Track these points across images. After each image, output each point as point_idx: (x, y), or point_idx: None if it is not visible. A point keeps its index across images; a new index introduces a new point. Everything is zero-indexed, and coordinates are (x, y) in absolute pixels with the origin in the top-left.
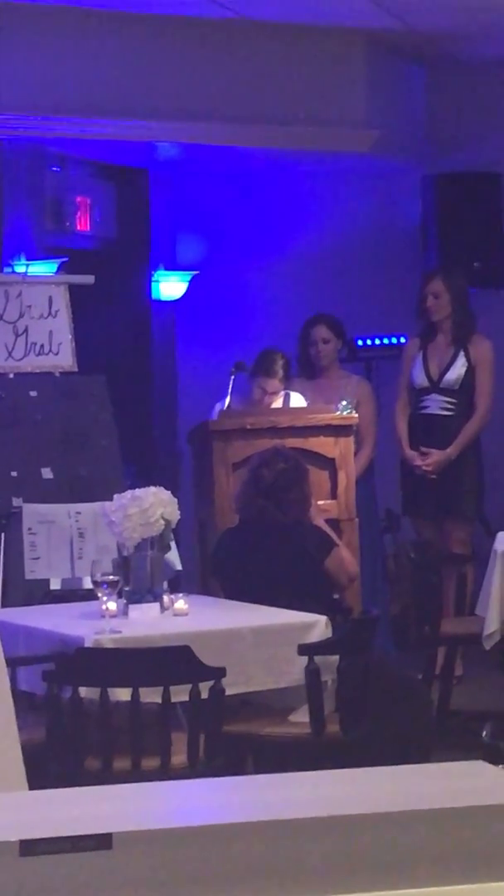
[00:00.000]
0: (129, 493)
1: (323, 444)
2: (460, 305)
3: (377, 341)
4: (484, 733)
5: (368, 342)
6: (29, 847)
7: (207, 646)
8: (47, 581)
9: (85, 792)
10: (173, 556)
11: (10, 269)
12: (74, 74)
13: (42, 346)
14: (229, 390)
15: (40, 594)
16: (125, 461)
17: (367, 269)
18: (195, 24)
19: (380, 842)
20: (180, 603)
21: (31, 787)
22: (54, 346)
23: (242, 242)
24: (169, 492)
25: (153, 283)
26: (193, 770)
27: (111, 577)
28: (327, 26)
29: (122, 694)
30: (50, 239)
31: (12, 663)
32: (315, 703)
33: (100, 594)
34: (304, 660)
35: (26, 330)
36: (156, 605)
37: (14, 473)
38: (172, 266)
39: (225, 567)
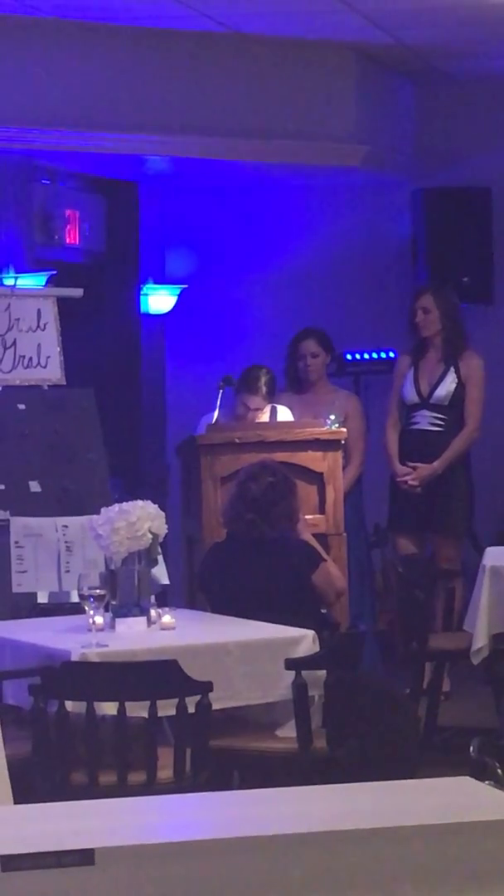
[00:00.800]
0: (116, 507)
1: (311, 459)
2: (450, 321)
3: (366, 356)
4: (471, 749)
5: (357, 356)
6: (11, 862)
7: (194, 660)
8: (34, 594)
9: (68, 807)
10: (160, 570)
11: None
12: (64, 87)
13: (30, 358)
14: (217, 404)
15: (27, 607)
16: (113, 474)
17: (356, 283)
18: (186, 37)
19: (366, 857)
20: (167, 617)
21: (17, 801)
22: (42, 359)
23: (232, 256)
24: (156, 505)
25: (142, 297)
26: (180, 785)
27: (98, 590)
28: (318, 41)
29: (109, 708)
30: (39, 252)
31: None
32: (302, 718)
33: (87, 608)
34: (292, 674)
35: (14, 343)
36: (143, 619)
37: (1, 486)
38: (161, 279)
39: (212, 581)
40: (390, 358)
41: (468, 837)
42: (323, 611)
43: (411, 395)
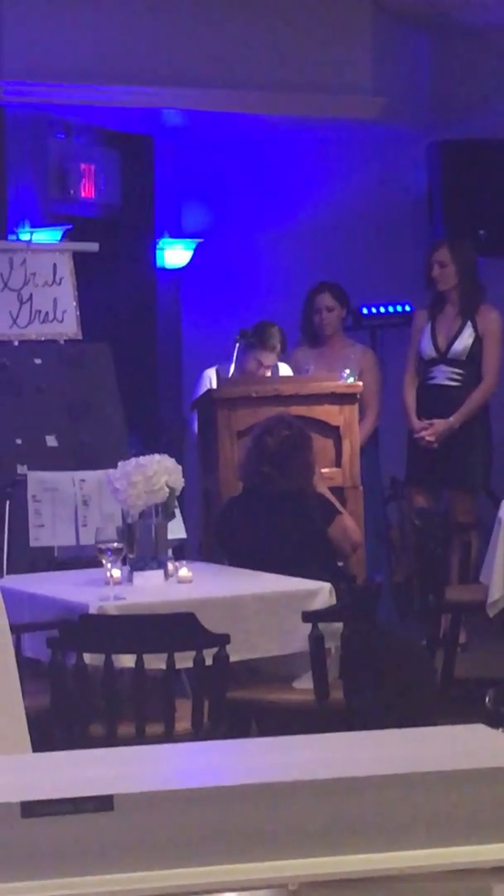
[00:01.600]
0: (133, 461)
1: (327, 413)
2: (467, 275)
3: (382, 309)
4: (487, 700)
5: (373, 310)
6: (30, 808)
7: (212, 613)
8: (52, 548)
9: (87, 755)
10: (177, 524)
11: (14, 237)
12: (79, 41)
13: (46, 313)
14: (234, 358)
15: (45, 561)
16: (129, 429)
17: (372, 236)
18: None
19: (380, 804)
20: (184, 570)
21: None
22: (59, 313)
23: (247, 210)
24: (173, 459)
25: (158, 251)
26: (197, 736)
27: (115, 544)
28: None
29: (127, 660)
30: (54, 206)
31: (17, 630)
32: (319, 670)
33: (104, 561)
34: (308, 627)
35: (31, 297)
36: (160, 573)
37: (18, 441)
38: (177, 234)
39: (229, 534)
40: (406, 311)
41: (482, 783)
42: (339, 564)
43: (429, 350)
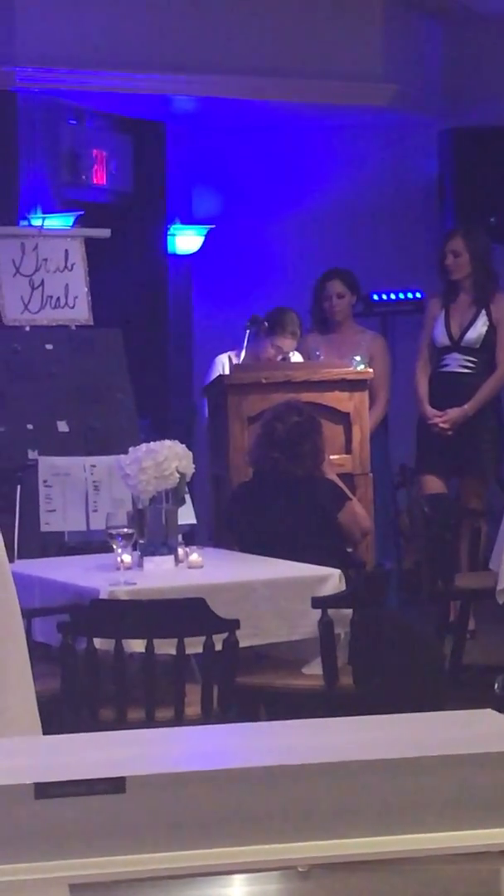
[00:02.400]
0: (143, 447)
1: (337, 399)
2: (480, 264)
3: (392, 296)
4: (496, 686)
5: (384, 297)
6: (43, 790)
7: (221, 598)
8: (62, 533)
9: (99, 737)
10: (188, 509)
11: (26, 223)
12: (91, 27)
13: (58, 299)
14: (244, 344)
15: (55, 546)
16: (140, 414)
17: (383, 223)
18: None
19: (388, 787)
20: (195, 556)
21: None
22: (70, 299)
23: (259, 197)
24: (184, 445)
25: (169, 237)
26: (207, 721)
27: (126, 529)
28: None
29: (137, 645)
30: (66, 192)
31: (28, 614)
32: (328, 655)
33: (114, 546)
34: (318, 613)
35: (42, 283)
36: (170, 558)
37: (30, 426)
38: (188, 220)
39: (239, 520)
40: (417, 298)
41: (490, 767)
42: (349, 550)
43: (442, 338)
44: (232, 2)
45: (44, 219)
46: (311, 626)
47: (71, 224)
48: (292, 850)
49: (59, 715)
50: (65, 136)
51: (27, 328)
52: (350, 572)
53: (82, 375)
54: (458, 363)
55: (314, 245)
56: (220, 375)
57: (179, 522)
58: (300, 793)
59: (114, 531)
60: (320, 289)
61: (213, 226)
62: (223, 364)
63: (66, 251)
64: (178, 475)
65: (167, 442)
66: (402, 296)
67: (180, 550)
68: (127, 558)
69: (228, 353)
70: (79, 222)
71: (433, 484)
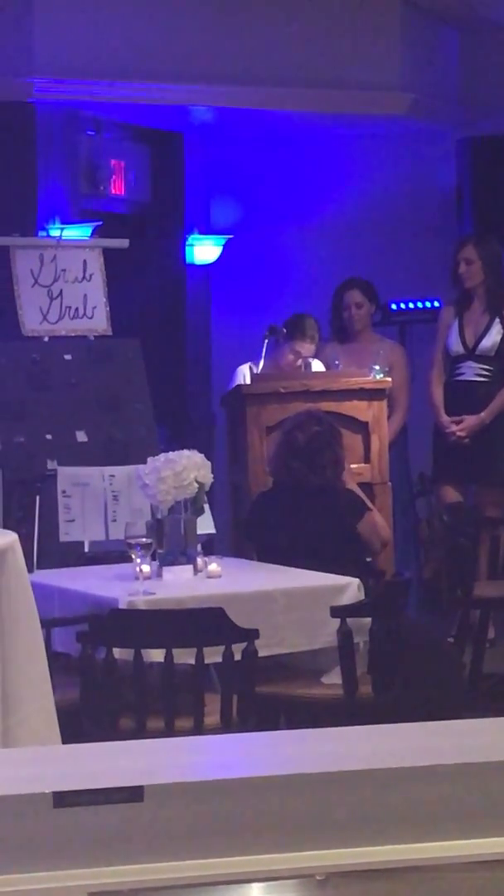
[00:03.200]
0: (162, 456)
1: (356, 408)
2: (493, 272)
3: (411, 305)
4: None
5: (402, 306)
6: (62, 798)
7: (240, 608)
8: (82, 543)
9: (118, 746)
10: (207, 519)
11: (44, 233)
12: (110, 38)
13: (76, 309)
14: (263, 354)
15: (74, 556)
16: (159, 424)
17: (401, 232)
18: None
19: (408, 795)
20: (214, 565)
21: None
22: (88, 309)
23: (276, 206)
24: (202, 455)
25: (187, 247)
26: (226, 731)
27: (145, 539)
28: None
29: (156, 655)
30: (85, 202)
31: (47, 624)
32: (347, 664)
33: (133, 556)
34: (337, 622)
35: (61, 293)
36: (189, 568)
37: (49, 436)
38: (207, 230)
39: (258, 529)
40: (435, 307)
41: None
42: (368, 559)
43: (456, 347)
44: (249, 12)
45: (62, 229)
46: (330, 636)
47: (89, 234)
48: (310, 859)
49: (78, 725)
50: (83, 147)
51: (46, 339)
52: (369, 582)
53: (101, 385)
54: (473, 371)
55: (332, 254)
56: (238, 385)
57: (198, 532)
58: (318, 801)
59: (133, 541)
60: (339, 298)
61: (231, 235)
62: (244, 374)
63: (85, 261)
64: (196, 485)
65: (186, 451)
66: (420, 305)
67: (199, 560)
68: (146, 568)
69: (249, 363)
70: (97, 233)
71: (451, 493)
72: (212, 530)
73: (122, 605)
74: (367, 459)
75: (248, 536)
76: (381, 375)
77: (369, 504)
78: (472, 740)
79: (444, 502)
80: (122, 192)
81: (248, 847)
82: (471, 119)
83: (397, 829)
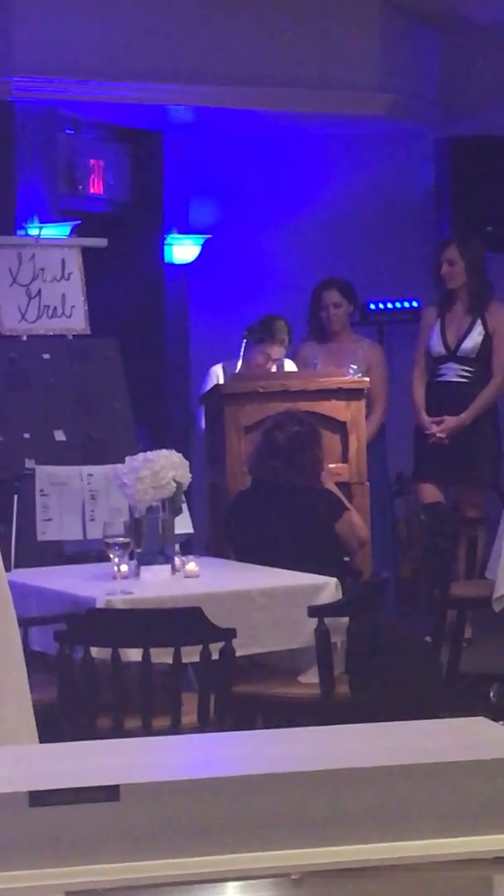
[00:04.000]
0: (140, 456)
1: (334, 408)
2: (476, 273)
3: (389, 305)
4: (491, 694)
5: (381, 306)
6: (38, 798)
7: (218, 607)
8: (59, 542)
9: (94, 746)
10: (185, 519)
11: (23, 232)
12: (88, 37)
13: (55, 308)
14: (241, 354)
15: (52, 555)
16: (137, 424)
17: (380, 232)
18: None
19: (383, 794)
20: (191, 565)
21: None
22: (67, 308)
23: (255, 206)
24: (180, 454)
25: (166, 247)
26: (203, 730)
27: (123, 538)
28: None
29: (134, 654)
30: (63, 202)
31: (25, 623)
32: (325, 664)
33: (111, 556)
34: (314, 621)
35: (39, 293)
36: (167, 567)
37: (27, 435)
38: (185, 229)
39: (237, 529)
40: (413, 307)
41: (483, 775)
42: (346, 559)
43: (438, 348)
44: (229, 12)
45: (41, 228)
46: (307, 635)
47: (68, 233)
48: (286, 858)
49: (55, 724)
50: (62, 146)
51: (24, 338)
52: (347, 581)
53: (79, 385)
54: (454, 373)
55: (311, 254)
56: (216, 385)
57: (176, 531)
58: (294, 800)
59: (111, 540)
60: (317, 298)
61: (209, 235)
62: (217, 374)
63: (63, 261)
64: (174, 484)
65: (164, 451)
66: (398, 305)
67: (177, 559)
68: (124, 567)
69: (222, 363)
70: (76, 232)
71: (430, 493)
72: (190, 530)
73: (99, 605)
74: (345, 459)
75: (227, 535)
76: (360, 375)
77: (347, 504)
78: (446, 740)
79: (423, 502)
80: (101, 192)
81: (224, 846)
82: (450, 119)
83: (373, 829)
